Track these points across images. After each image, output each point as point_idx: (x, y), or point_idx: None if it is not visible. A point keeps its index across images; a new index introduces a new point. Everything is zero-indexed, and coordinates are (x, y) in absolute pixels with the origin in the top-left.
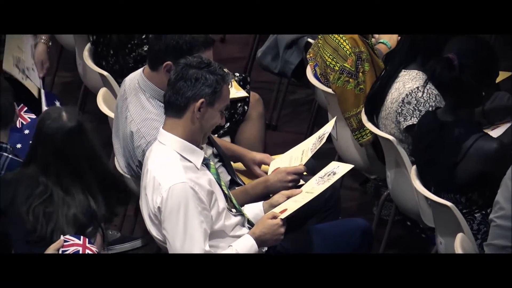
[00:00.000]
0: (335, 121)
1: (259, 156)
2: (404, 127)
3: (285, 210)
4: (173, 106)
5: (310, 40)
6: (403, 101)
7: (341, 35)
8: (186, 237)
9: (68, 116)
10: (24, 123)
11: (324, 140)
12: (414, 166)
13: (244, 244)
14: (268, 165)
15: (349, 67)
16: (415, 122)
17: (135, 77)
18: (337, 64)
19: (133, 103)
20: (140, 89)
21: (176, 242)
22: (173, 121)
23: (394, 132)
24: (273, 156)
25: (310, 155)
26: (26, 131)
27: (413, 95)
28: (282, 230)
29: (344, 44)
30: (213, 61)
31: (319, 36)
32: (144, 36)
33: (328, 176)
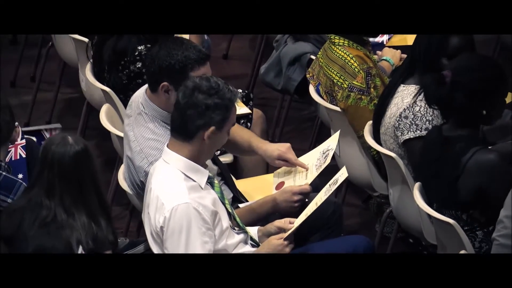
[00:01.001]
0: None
1: (276, 152)
2: (402, 141)
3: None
4: (182, 132)
5: (312, 57)
6: (400, 115)
7: (347, 53)
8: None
9: (75, 140)
10: None
11: (329, 158)
12: (417, 183)
13: None
14: (286, 160)
15: (359, 84)
16: (412, 137)
17: (140, 95)
18: (345, 82)
19: (136, 122)
20: (143, 109)
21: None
22: (179, 143)
23: (393, 147)
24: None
25: (315, 173)
26: None
27: (410, 110)
28: (288, 249)
29: (352, 61)
30: (221, 83)
31: (319, 55)
32: (136, 53)
33: (334, 184)
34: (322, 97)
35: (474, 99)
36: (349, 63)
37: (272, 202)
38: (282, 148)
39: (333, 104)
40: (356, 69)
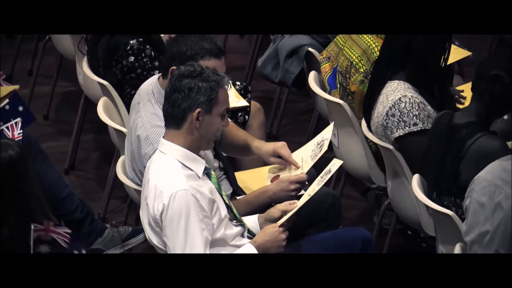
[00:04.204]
0: (337, 129)
1: (272, 148)
2: (393, 139)
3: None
4: (171, 119)
5: (310, 49)
6: (387, 114)
7: (373, 40)
8: (187, 243)
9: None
10: None
11: (324, 148)
12: (415, 175)
13: (245, 252)
14: (281, 156)
15: None
16: (401, 134)
17: (150, 83)
18: (363, 67)
19: (145, 108)
20: (153, 96)
21: (177, 248)
22: (173, 132)
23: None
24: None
25: (311, 163)
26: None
27: (396, 107)
28: (284, 236)
29: (376, 50)
30: (206, 68)
31: (339, 37)
32: (128, 48)
33: (325, 175)
34: (333, 82)
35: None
36: (372, 50)
37: (268, 193)
38: (277, 145)
39: (343, 86)
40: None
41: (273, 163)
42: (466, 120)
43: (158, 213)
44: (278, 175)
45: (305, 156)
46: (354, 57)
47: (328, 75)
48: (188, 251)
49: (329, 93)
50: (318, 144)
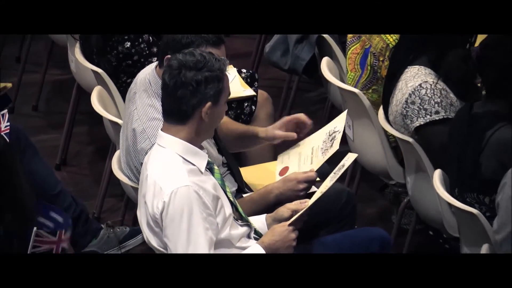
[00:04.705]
0: (352, 120)
1: (276, 129)
2: (412, 129)
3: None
4: (176, 114)
5: (323, 34)
6: (406, 101)
7: None
8: (190, 244)
9: None
10: None
11: (336, 144)
12: (437, 170)
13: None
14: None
15: None
16: (422, 123)
17: (147, 72)
18: None
19: (141, 99)
20: (150, 86)
21: (179, 250)
22: (175, 126)
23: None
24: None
25: (321, 158)
26: None
27: (416, 94)
28: (294, 235)
29: None
30: (207, 55)
31: None
32: None
33: (339, 170)
34: (363, 63)
35: (505, 73)
36: None
37: (274, 192)
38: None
39: (373, 69)
40: None
41: (279, 137)
42: (486, 109)
43: (158, 212)
44: (287, 167)
45: (316, 146)
46: (391, 39)
47: (360, 56)
48: (190, 252)
49: (359, 77)
50: (329, 135)
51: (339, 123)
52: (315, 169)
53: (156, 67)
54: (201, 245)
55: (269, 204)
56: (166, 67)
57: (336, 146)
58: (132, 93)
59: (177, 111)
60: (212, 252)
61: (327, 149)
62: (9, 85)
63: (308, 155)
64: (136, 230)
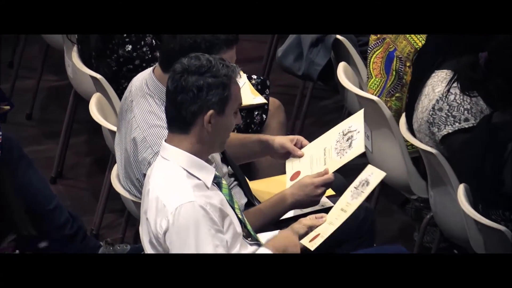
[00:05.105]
0: (371, 131)
1: (285, 140)
2: (440, 138)
3: (317, 236)
4: (177, 123)
5: (339, 37)
6: (433, 108)
7: None
8: None
9: None
10: None
11: (357, 141)
12: (462, 184)
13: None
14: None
15: None
16: (450, 131)
17: (143, 77)
18: None
19: (139, 106)
20: (149, 92)
21: None
22: (179, 137)
23: (430, 146)
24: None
25: (336, 158)
26: None
27: (444, 100)
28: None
29: None
30: (214, 60)
31: None
32: (125, 35)
33: (362, 186)
34: (388, 67)
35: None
36: None
37: (288, 200)
38: (291, 136)
39: (399, 75)
40: None
41: (290, 149)
42: (507, 118)
43: (162, 231)
44: (299, 171)
45: (328, 146)
46: (418, 42)
47: (384, 60)
48: None
49: (385, 83)
50: (343, 135)
51: (354, 122)
52: (331, 171)
53: (153, 69)
54: None
55: (281, 214)
56: (171, 71)
57: (359, 148)
58: (129, 102)
59: (177, 117)
60: None
61: (343, 149)
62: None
63: (320, 156)
64: (137, 248)
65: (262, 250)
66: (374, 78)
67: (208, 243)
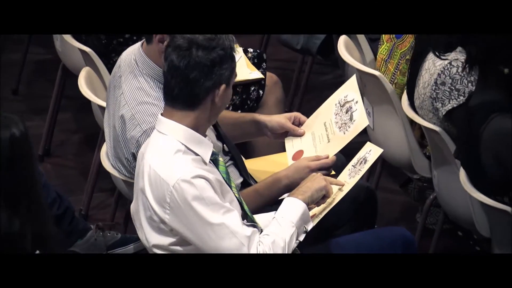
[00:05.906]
0: (372, 107)
1: (283, 118)
2: (443, 113)
3: (313, 216)
4: (186, 99)
5: None
6: (436, 82)
7: None
8: (219, 231)
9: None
10: None
11: (358, 113)
12: None
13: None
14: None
15: None
16: (455, 105)
17: (132, 52)
18: None
19: (127, 82)
20: (137, 67)
21: (210, 243)
22: (182, 113)
23: (433, 123)
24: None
25: (340, 134)
26: None
27: (446, 73)
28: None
29: None
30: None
31: None
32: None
33: (360, 164)
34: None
35: (491, 54)
36: None
37: (283, 181)
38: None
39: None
40: None
41: (289, 128)
42: (480, 100)
43: (164, 208)
44: (302, 150)
45: (328, 121)
46: None
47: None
48: (224, 239)
49: (393, 46)
50: (341, 106)
51: (349, 90)
52: (338, 150)
53: (142, 44)
54: (232, 224)
55: (277, 196)
56: (171, 47)
57: (362, 121)
58: (117, 77)
59: (188, 95)
60: (245, 227)
61: (345, 123)
62: None
63: (322, 133)
64: (128, 238)
65: (289, 202)
66: (384, 43)
67: (219, 206)
